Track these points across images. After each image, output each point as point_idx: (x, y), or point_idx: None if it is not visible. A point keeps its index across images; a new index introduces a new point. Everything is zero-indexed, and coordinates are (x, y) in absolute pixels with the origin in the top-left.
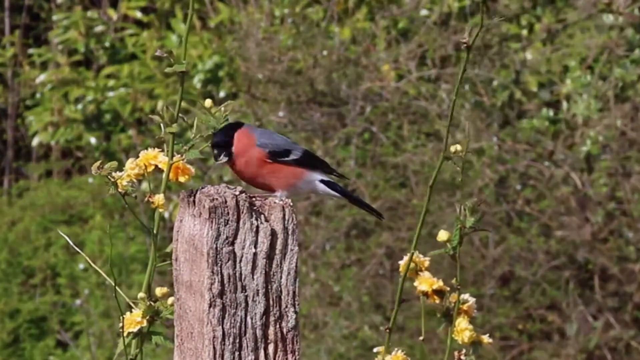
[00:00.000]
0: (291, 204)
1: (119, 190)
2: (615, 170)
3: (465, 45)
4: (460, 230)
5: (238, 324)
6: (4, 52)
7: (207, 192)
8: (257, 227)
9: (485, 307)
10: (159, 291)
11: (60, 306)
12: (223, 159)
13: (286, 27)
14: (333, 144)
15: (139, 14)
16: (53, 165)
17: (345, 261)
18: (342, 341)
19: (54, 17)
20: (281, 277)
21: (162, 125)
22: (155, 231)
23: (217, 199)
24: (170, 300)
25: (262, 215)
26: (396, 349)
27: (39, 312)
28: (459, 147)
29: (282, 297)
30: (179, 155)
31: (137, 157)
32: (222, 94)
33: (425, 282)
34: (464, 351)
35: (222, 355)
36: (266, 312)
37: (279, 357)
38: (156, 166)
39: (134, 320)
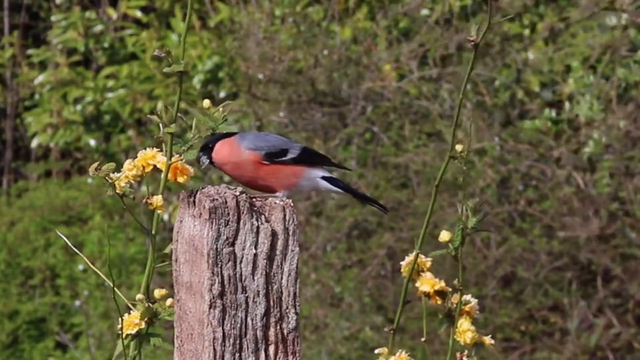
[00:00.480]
0: (292, 204)
1: (117, 191)
2: (618, 170)
3: (472, 43)
4: (462, 230)
5: (238, 325)
6: (2, 52)
7: (207, 192)
8: (258, 227)
9: (487, 308)
10: (157, 293)
11: (59, 307)
12: (205, 161)
13: (287, 26)
14: (334, 144)
15: (138, 14)
16: (52, 165)
17: (346, 262)
18: (343, 342)
19: (53, 18)
20: (282, 278)
21: (160, 125)
22: (154, 232)
23: (217, 199)
24: (168, 301)
25: (263, 216)
26: (400, 350)
27: (38, 313)
28: (462, 147)
29: (283, 298)
30: (178, 156)
31: (136, 158)
32: (222, 94)
33: (427, 283)
34: (466, 352)
35: (223, 357)
36: (267, 313)
37: (279, 358)
38: (155, 166)
39: (132, 322)
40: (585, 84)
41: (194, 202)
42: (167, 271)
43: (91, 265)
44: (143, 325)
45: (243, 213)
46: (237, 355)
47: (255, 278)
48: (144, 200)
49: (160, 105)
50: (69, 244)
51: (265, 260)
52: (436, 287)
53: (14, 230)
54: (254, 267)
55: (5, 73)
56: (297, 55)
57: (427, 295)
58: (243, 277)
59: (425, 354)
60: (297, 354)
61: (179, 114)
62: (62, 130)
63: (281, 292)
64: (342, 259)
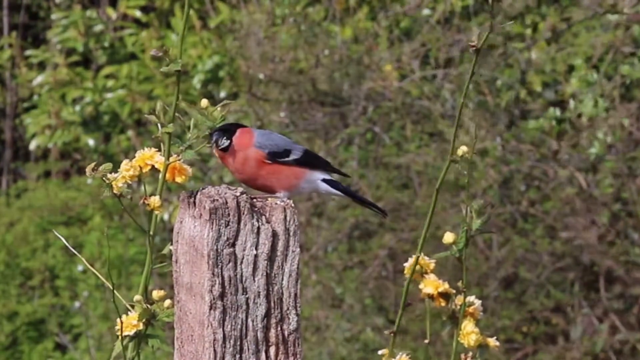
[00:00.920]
0: (293, 205)
1: (114, 192)
2: (620, 171)
3: (473, 48)
4: (466, 232)
5: (239, 326)
6: (1, 53)
7: (207, 193)
8: (258, 228)
9: (489, 310)
10: (155, 294)
11: (59, 308)
12: (225, 142)
13: (287, 26)
14: (335, 145)
15: (138, 13)
16: (52, 166)
17: (347, 263)
18: (344, 344)
19: (53, 17)
20: (282, 279)
21: (158, 125)
22: (152, 233)
23: (217, 200)
24: (167, 302)
25: (263, 217)
26: (401, 352)
27: (37, 315)
28: (464, 148)
29: (284, 299)
30: (176, 156)
31: (134, 158)
32: (222, 94)
33: (431, 285)
34: (470, 354)
35: (223, 358)
36: (267, 315)
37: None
38: (153, 167)
39: (130, 323)
40: (588, 82)
41: (194, 202)
42: (167, 272)
43: (90, 267)
44: (141, 327)
45: (244, 214)
46: (237, 356)
47: (256, 279)
48: (141, 201)
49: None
50: (69, 246)
51: (266, 261)
52: (440, 289)
53: (13, 230)
54: (255, 268)
55: (4, 73)
56: (298, 55)
57: (431, 297)
58: (244, 278)
59: (430, 356)
60: (298, 356)
61: (177, 114)
62: (60, 130)
63: (282, 293)
64: (343, 259)
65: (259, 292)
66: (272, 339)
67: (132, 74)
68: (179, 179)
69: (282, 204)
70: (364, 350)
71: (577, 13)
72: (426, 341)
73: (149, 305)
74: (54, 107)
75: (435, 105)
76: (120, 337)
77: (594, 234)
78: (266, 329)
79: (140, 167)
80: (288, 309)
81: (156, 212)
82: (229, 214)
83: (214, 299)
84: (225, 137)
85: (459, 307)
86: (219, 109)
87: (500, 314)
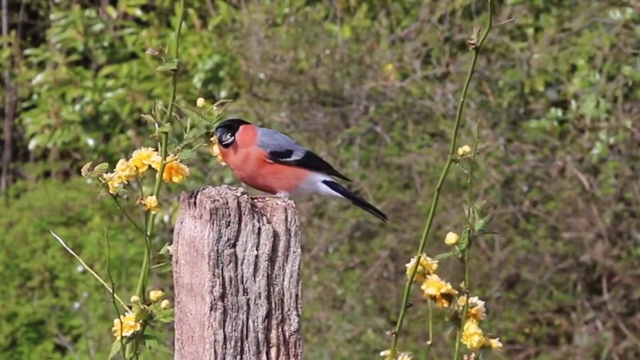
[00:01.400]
0: (294, 205)
1: (110, 192)
2: (622, 172)
3: (473, 46)
4: (469, 232)
5: (239, 327)
6: (0, 52)
7: (208, 193)
8: (259, 229)
9: (490, 311)
10: (153, 294)
11: (58, 309)
12: (228, 138)
13: (288, 25)
14: (336, 145)
15: (138, 12)
16: (51, 166)
17: (348, 264)
18: (346, 345)
19: (52, 16)
20: (283, 280)
21: (156, 125)
22: (149, 233)
23: (218, 200)
24: (164, 303)
25: (264, 217)
26: (403, 353)
27: (36, 316)
28: (466, 149)
29: (285, 300)
30: (172, 155)
31: (131, 158)
32: (223, 93)
33: (433, 286)
34: (473, 355)
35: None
36: (268, 316)
37: None
38: (150, 166)
39: (127, 324)
40: (590, 82)
41: (195, 203)
42: (167, 273)
43: (89, 269)
44: (138, 328)
45: (244, 214)
46: (238, 358)
47: (257, 280)
48: (137, 202)
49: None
50: (66, 247)
51: (266, 262)
52: (442, 290)
53: (13, 231)
54: (256, 269)
55: (3, 73)
56: (299, 54)
57: (433, 298)
58: (244, 279)
59: (429, 356)
60: (299, 357)
61: (174, 114)
62: (60, 130)
63: (283, 294)
64: (344, 260)
65: (260, 293)
66: (273, 340)
67: (132, 73)
68: (176, 179)
69: (283, 204)
70: (365, 351)
71: (576, 22)
72: (429, 342)
73: (146, 306)
74: (53, 106)
75: (437, 105)
76: (119, 338)
77: (600, 250)
78: (267, 330)
79: (137, 167)
80: (289, 310)
81: (153, 212)
82: (229, 215)
83: (214, 299)
84: (229, 134)
85: (461, 308)
86: (214, 107)
87: (502, 315)
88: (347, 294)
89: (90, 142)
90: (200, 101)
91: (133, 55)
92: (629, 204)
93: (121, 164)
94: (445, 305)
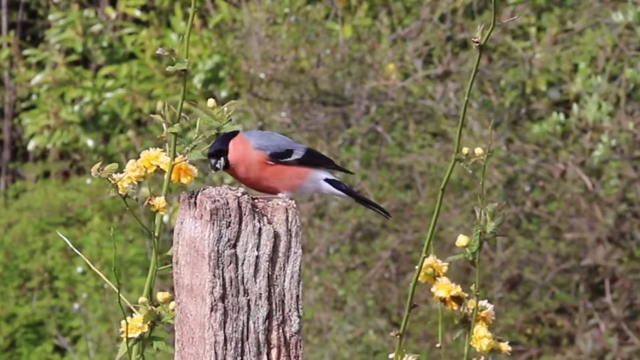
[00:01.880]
0: (295, 205)
1: (120, 192)
2: (626, 173)
3: (476, 44)
4: (480, 235)
5: (240, 328)
6: None
7: (208, 193)
8: (260, 229)
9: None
10: (160, 296)
11: (57, 310)
12: (221, 164)
13: (289, 25)
14: (337, 145)
15: (137, 12)
16: (50, 166)
17: (349, 264)
18: (347, 346)
19: (51, 17)
20: (284, 281)
21: (164, 125)
22: (156, 234)
23: (218, 200)
24: (171, 305)
25: (265, 217)
26: (407, 355)
27: (36, 317)
28: (478, 150)
29: (285, 301)
30: (181, 156)
31: (137, 158)
32: (223, 93)
33: (443, 288)
34: (482, 359)
35: None
36: (269, 317)
37: None
38: (157, 167)
39: (134, 325)
40: (592, 84)
41: (195, 203)
42: (167, 274)
43: (94, 268)
44: (146, 329)
45: (245, 214)
46: (238, 359)
47: (257, 280)
48: (146, 202)
49: (161, 105)
50: (70, 245)
51: (267, 263)
52: (452, 293)
53: (12, 232)
54: (256, 270)
55: (2, 73)
56: (300, 54)
57: (443, 300)
58: (245, 280)
59: (431, 357)
60: (300, 358)
61: (182, 114)
62: (59, 131)
63: (283, 295)
64: (345, 261)
65: (261, 294)
66: (274, 342)
67: (132, 73)
68: (184, 180)
69: (284, 204)
70: (366, 352)
71: (579, 22)
72: (438, 345)
73: (153, 308)
74: (52, 107)
75: (439, 105)
76: (126, 340)
77: (601, 254)
78: (268, 331)
79: (146, 168)
80: (290, 311)
81: (161, 213)
82: (230, 215)
83: (214, 300)
84: (220, 160)
85: (471, 311)
86: (225, 109)
87: (504, 315)
88: (348, 295)
89: (90, 142)
90: (211, 101)
91: (132, 56)
92: (632, 204)
93: (131, 164)
94: (455, 307)
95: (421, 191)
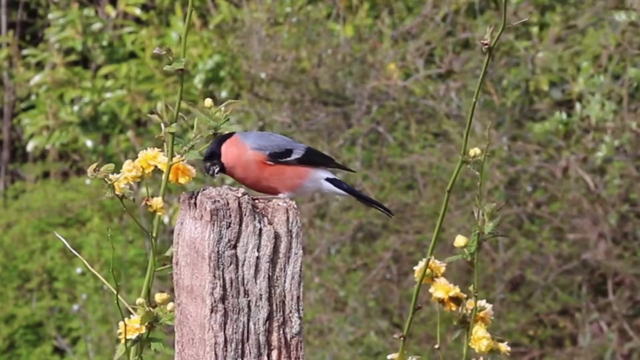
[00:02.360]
0: (295, 206)
1: (116, 193)
2: (628, 172)
3: (485, 46)
4: (478, 235)
5: (240, 329)
6: None
7: (208, 194)
8: (260, 230)
9: (494, 312)
10: (158, 297)
11: (57, 311)
12: (215, 169)
13: (290, 24)
14: (338, 145)
15: (137, 11)
16: (50, 166)
17: (350, 265)
18: (348, 347)
19: (50, 15)
20: (285, 282)
21: (162, 125)
22: (154, 235)
23: (219, 201)
24: (169, 306)
25: (266, 218)
26: (411, 357)
27: (35, 318)
28: (477, 150)
29: (286, 302)
30: (179, 156)
31: (136, 159)
32: (223, 93)
33: (442, 289)
34: (481, 359)
35: None
36: (269, 318)
37: None
38: (155, 167)
39: (132, 326)
40: (595, 83)
41: (195, 203)
42: (167, 275)
43: (93, 270)
44: (143, 330)
45: (245, 215)
46: None
47: (258, 281)
48: (144, 203)
49: (161, 104)
50: (68, 246)
51: (267, 264)
52: (451, 293)
53: (11, 232)
54: (257, 271)
55: (1, 73)
56: (301, 54)
57: (441, 301)
58: (245, 281)
59: (431, 359)
60: (301, 359)
61: (180, 114)
62: (58, 131)
63: (284, 296)
64: (346, 262)
65: (261, 295)
66: (274, 343)
67: (132, 73)
68: (182, 180)
69: (285, 205)
70: (367, 353)
71: (582, 20)
72: (436, 346)
73: (151, 309)
74: (52, 107)
75: (441, 105)
76: (125, 341)
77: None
78: (268, 332)
79: (143, 168)
80: (290, 312)
81: (159, 213)
82: (230, 216)
83: (215, 301)
84: (214, 164)
85: (469, 311)
86: (222, 109)
87: (506, 317)
88: (350, 296)
89: (89, 143)
90: (208, 101)
91: (132, 55)
92: (634, 204)
93: (128, 164)
94: (454, 308)
95: (423, 192)
